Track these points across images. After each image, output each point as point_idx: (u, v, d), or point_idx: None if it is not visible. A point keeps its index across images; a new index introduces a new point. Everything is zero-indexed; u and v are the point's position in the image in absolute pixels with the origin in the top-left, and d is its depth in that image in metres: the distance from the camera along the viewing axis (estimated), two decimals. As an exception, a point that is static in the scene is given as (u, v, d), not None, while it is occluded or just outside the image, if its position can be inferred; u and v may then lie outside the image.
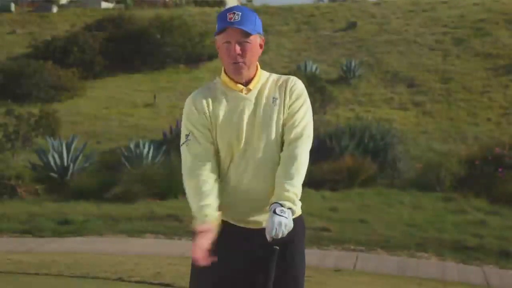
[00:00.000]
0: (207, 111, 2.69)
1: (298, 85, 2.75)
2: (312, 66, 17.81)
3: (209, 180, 2.62)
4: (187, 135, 2.69)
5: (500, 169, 10.50)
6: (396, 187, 10.78)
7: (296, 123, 2.69)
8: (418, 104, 15.99)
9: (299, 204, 2.68)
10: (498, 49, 18.88)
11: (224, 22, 2.61)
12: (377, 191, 10.58)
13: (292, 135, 2.68)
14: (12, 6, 28.02)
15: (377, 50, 19.84)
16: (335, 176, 10.59)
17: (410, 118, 15.07)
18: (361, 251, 7.97)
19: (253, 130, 2.67)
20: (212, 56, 20.48)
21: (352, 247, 8.10)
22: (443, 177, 10.58)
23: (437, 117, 15.10)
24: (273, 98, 2.71)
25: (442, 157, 11.54)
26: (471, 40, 19.72)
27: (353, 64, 17.95)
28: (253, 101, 2.70)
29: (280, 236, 2.49)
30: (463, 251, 7.92)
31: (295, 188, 2.59)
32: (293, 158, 2.63)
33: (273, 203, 2.55)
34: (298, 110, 2.72)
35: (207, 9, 26.93)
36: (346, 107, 15.91)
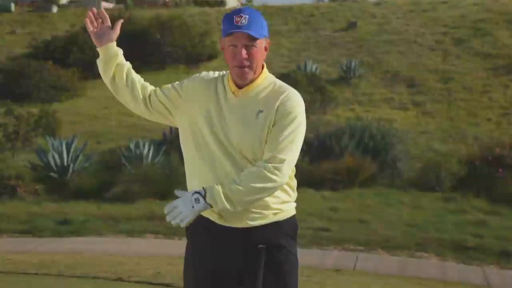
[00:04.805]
0: (196, 93, 2.67)
1: (291, 102, 2.59)
2: (312, 66, 17.81)
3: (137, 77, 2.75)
4: (174, 85, 2.75)
5: (500, 169, 10.50)
6: (396, 187, 10.77)
7: (279, 141, 2.53)
8: (418, 104, 15.99)
9: (227, 207, 2.49)
10: (498, 49, 18.88)
11: (231, 26, 2.56)
12: (377, 191, 10.57)
13: (269, 153, 2.52)
14: (12, 6, 28.00)
15: (377, 50, 19.85)
16: (335, 176, 10.59)
17: (410, 118, 15.06)
18: (361, 251, 7.97)
19: (227, 138, 2.59)
20: (212, 56, 20.50)
21: (352, 247, 8.10)
22: (443, 177, 10.58)
23: (437, 117, 15.10)
24: (258, 110, 2.58)
25: (442, 157, 11.55)
26: (471, 40, 19.72)
27: (353, 64, 17.95)
28: (239, 107, 2.61)
29: (168, 219, 2.51)
30: (463, 251, 7.92)
31: (235, 193, 2.46)
32: (255, 174, 2.48)
33: (199, 191, 2.49)
34: (280, 130, 2.55)
35: (207, 9, 26.92)
36: (346, 107, 15.91)
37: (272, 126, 2.55)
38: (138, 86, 2.75)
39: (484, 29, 20.34)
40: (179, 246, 8.09)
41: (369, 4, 25.41)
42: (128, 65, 2.78)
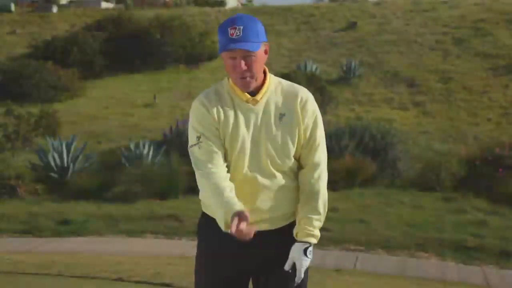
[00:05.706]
0: (216, 116, 2.60)
1: (310, 104, 2.67)
2: (312, 66, 17.81)
3: (227, 183, 2.55)
4: (198, 137, 2.60)
5: (500, 169, 10.50)
6: (396, 187, 10.77)
7: (313, 151, 2.68)
8: (418, 104, 15.98)
9: None
10: (498, 49, 18.87)
11: (227, 40, 2.52)
12: (377, 191, 10.57)
13: (310, 163, 2.67)
14: (12, 6, 28.00)
15: (377, 50, 19.84)
16: (335, 176, 10.56)
17: (410, 118, 15.06)
18: (361, 251, 7.97)
19: (259, 147, 2.61)
20: (212, 56, 20.48)
21: (352, 247, 8.11)
22: (443, 177, 10.58)
23: (437, 117, 15.10)
24: (280, 114, 2.63)
25: (442, 157, 11.54)
26: (471, 40, 19.72)
27: (353, 64, 17.94)
28: (260, 114, 2.61)
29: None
30: (463, 251, 7.92)
31: (321, 223, 2.67)
32: (317, 193, 2.66)
33: (303, 240, 2.60)
34: (312, 136, 2.68)
35: (207, 9, 26.91)
36: (346, 107, 15.91)
37: (303, 132, 2.64)
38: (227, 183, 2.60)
39: (484, 29, 20.33)
40: (179, 246, 8.10)
41: (369, 4, 25.39)
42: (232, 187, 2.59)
